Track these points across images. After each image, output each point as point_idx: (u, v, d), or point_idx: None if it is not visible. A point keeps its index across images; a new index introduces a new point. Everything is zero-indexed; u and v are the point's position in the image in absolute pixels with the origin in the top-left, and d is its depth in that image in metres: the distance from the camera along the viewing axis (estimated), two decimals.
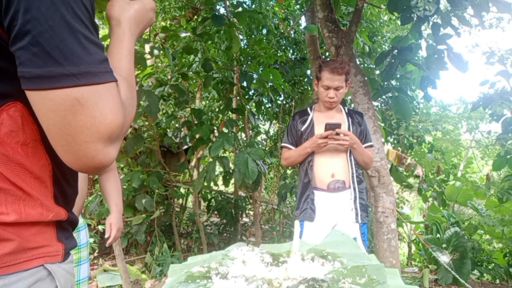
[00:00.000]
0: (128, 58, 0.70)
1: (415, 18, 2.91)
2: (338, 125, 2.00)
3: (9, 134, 0.60)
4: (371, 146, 2.31)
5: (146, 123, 4.05)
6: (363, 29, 5.16)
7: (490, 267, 4.95)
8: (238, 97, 4.57)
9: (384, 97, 5.50)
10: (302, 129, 2.21)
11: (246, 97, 4.83)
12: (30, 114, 0.59)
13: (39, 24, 0.51)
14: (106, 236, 1.80)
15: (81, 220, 1.80)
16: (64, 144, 0.55)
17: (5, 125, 0.59)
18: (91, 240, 4.14)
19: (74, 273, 0.77)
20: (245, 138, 4.91)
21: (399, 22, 4.66)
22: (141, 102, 3.30)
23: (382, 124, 5.20)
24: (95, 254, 4.55)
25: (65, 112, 0.52)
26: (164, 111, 4.94)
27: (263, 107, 4.98)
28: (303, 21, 5.72)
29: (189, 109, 4.10)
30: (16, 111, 0.59)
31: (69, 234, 0.77)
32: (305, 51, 5.21)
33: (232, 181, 4.22)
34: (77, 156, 0.55)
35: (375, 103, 5.36)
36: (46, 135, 0.56)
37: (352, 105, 3.45)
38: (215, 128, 3.81)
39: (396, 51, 3.30)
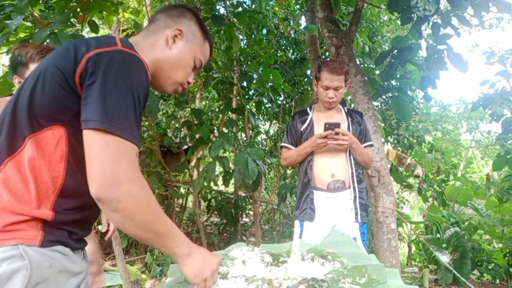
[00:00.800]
0: (165, 228, 0.87)
1: (415, 18, 2.91)
2: (337, 125, 2.00)
3: (45, 143, 0.84)
4: (371, 145, 2.31)
5: (146, 123, 4.05)
6: (363, 29, 5.16)
7: (490, 267, 4.95)
8: (238, 97, 4.57)
9: (384, 97, 5.50)
10: (302, 129, 2.21)
11: (246, 97, 4.82)
12: (67, 138, 0.84)
13: (106, 90, 0.78)
14: (103, 230, 1.75)
15: None
16: (88, 169, 0.77)
17: (47, 137, 0.84)
18: None
19: (62, 265, 0.84)
20: (245, 138, 4.90)
21: (399, 22, 4.66)
22: None
23: (382, 124, 5.20)
24: None
25: (96, 148, 0.77)
26: (164, 111, 4.94)
27: (263, 107, 4.98)
28: (303, 21, 5.72)
29: (189, 109, 4.10)
30: (58, 132, 0.84)
31: (63, 232, 0.86)
32: (305, 51, 5.20)
33: (232, 181, 4.22)
34: (92, 180, 0.77)
35: (375, 103, 5.36)
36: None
37: (352, 105, 3.45)
38: (215, 128, 3.80)
39: (396, 51, 3.30)
